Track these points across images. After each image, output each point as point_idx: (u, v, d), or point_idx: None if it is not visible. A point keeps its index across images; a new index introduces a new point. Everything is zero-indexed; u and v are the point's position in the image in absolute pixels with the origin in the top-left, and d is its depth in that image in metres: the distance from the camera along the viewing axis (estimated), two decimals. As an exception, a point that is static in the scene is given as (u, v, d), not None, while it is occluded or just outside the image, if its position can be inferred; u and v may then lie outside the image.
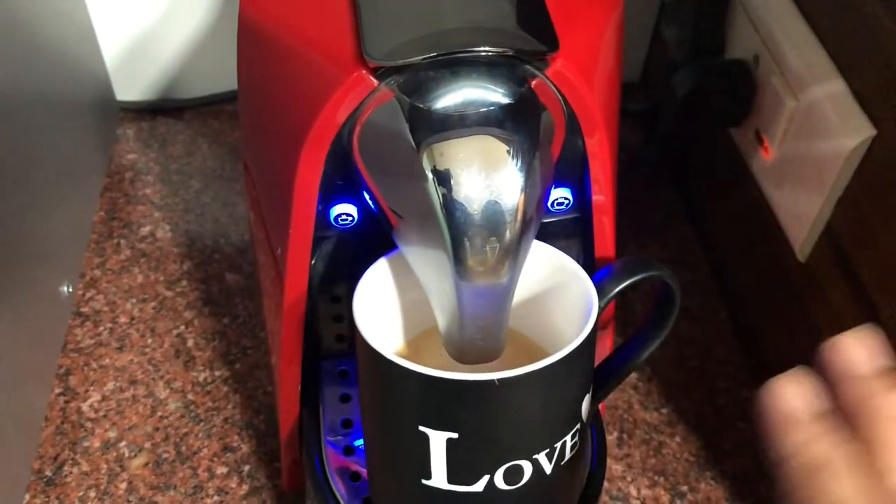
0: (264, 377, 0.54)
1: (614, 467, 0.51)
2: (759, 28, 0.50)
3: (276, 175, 0.36)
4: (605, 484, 0.46)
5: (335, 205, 0.35)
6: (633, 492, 0.50)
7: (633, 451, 0.51)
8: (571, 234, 0.39)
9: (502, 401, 0.29)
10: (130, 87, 0.69)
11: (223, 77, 0.69)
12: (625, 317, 0.56)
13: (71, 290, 0.55)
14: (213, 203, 0.63)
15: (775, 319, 0.52)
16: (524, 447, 0.30)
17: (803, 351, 0.48)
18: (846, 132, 0.42)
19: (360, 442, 0.40)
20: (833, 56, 0.44)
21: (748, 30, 0.51)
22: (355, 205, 0.35)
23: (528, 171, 0.29)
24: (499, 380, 0.28)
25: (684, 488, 0.50)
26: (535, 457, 0.31)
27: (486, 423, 0.30)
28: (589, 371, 0.33)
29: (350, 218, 0.35)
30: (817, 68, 0.45)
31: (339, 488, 0.38)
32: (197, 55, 0.68)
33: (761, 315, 0.54)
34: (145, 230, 0.61)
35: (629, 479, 0.50)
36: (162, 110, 0.69)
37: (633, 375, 0.55)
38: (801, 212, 0.46)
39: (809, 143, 0.45)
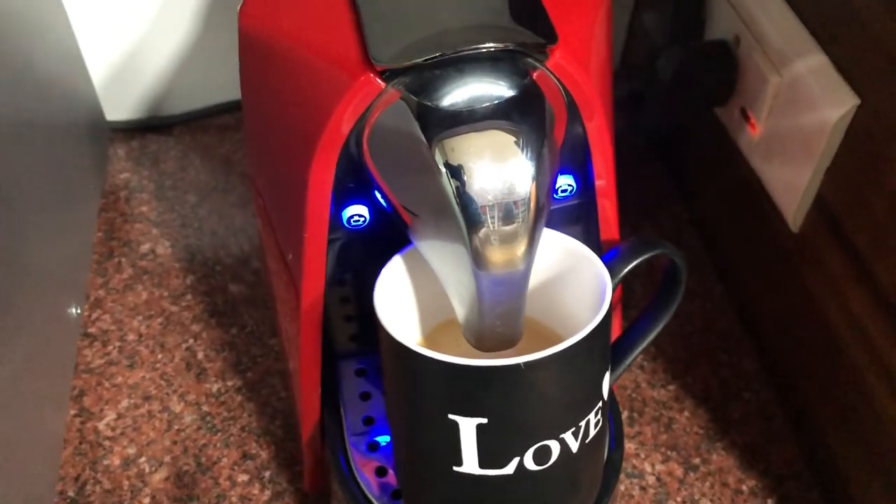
0: (277, 383, 0.54)
1: (627, 445, 0.52)
2: (737, 8, 0.51)
3: (288, 182, 0.37)
4: (621, 466, 0.47)
5: (347, 206, 0.36)
6: (648, 468, 0.51)
7: (643, 428, 0.53)
8: (576, 221, 0.40)
9: (528, 383, 0.30)
10: (119, 107, 0.69)
11: (210, 91, 0.70)
12: (624, 299, 0.57)
13: (79, 311, 0.56)
14: (210, 216, 0.64)
15: (772, 291, 0.54)
16: (551, 427, 0.31)
17: (801, 319, 0.49)
18: (830, 103, 0.43)
19: (383, 439, 0.41)
20: (812, 30, 0.46)
21: (726, 10, 0.52)
22: (367, 205, 0.36)
23: (537, 160, 0.30)
24: (524, 363, 0.29)
25: (697, 460, 0.51)
26: (562, 436, 0.32)
27: (513, 406, 0.31)
28: (607, 350, 0.34)
29: (362, 218, 0.36)
30: (797, 43, 0.46)
31: (367, 484, 0.39)
32: (182, 71, 0.69)
33: (758, 288, 0.56)
34: (145, 247, 0.62)
35: (643, 455, 0.51)
36: (151, 128, 0.70)
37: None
38: (792, 183, 0.48)
39: (795, 116, 0.47)
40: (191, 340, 0.57)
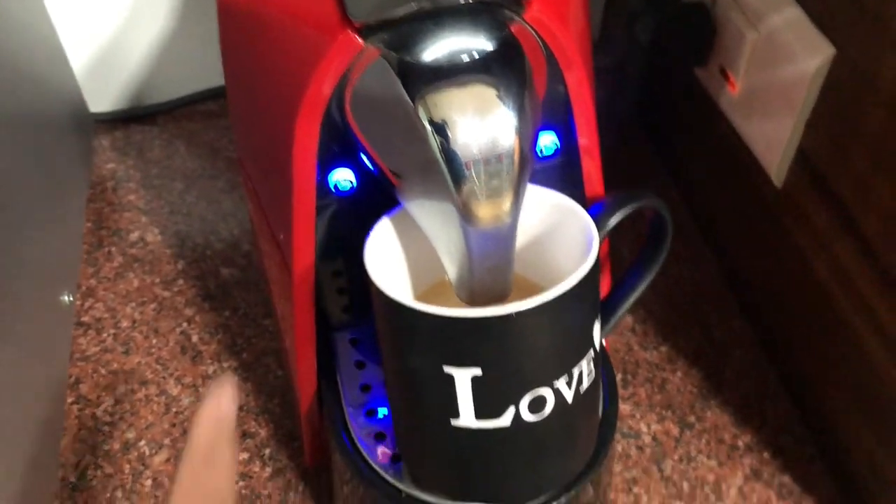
0: (272, 363, 0.55)
1: (622, 407, 0.52)
2: (712, -31, 0.52)
3: (273, 153, 0.37)
4: (616, 422, 0.48)
5: (333, 170, 0.36)
6: (644, 428, 0.51)
7: (638, 389, 0.53)
8: (561, 182, 0.40)
9: (521, 332, 0.31)
10: (102, 98, 0.69)
11: (192, 79, 0.70)
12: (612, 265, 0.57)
13: (71, 299, 0.56)
14: (199, 202, 0.64)
15: (759, 249, 0.54)
16: (545, 374, 0.32)
17: (789, 275, 0.50)
18: (807, 55, 0.44)
19: (382, 409, 0.41)
20: (786, -15, 0.46)
21: (702, -28, 0.53)
22: (353, 169, 0.36)
23: (519, 111, 0.31)
24: (516, 312, 0.30)
25: (692, 419, 0.52)
26: (555, 384, 0.32)
27: (507, 355, 0.31)
28: (596, 298, 0.34)
29: (349, 183, 0.36)
30: (772, -1, 0.47)
31: (367, 450, 0.39)
32: (164, 60, 0.69)
33: (745, 248, 0.56)
34: (134, 236, 0.62)
35: (638, 416, 0.52)
36: (135, 118, 0.70)
37: (629, 318, 0.57)
38: (773, 139, 0.48)
39: (773, 71, 0.47)
40: (185, 324, 0.57)
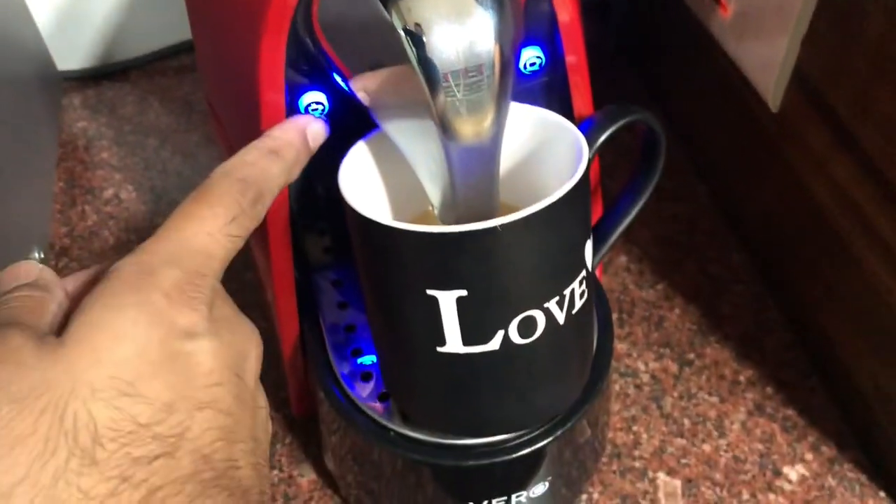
0: (256, 316, 0.52)
1: (619, 346, 0.51)
2: None
3: (240, 79, 0.35)
4: (613, 363, 0.46)
5: (303, 94, 0.34)
6: (641, 366, 0.50)
7: (634, 328, 0.51)
8: (549, 103, 0.38)
9: (506, 248, 0.29)
10: (70, 56, 0.67)
11: (163, 32, 0.68)
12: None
13: (42, 255, 0.54)
14: (174, 157, 0.62)
15: (756, 179, 0.52)
16: (534, 295, 0.30)
17: (788, 202, 0.48)
18: (802, -35, 0.42)
19: (369, 357, 0.39)
20: None
21: None
22: (325, 91, 0.34)
23: (498, 13, 0.28)
24: (500, 225, 0.28)
25: (691, 356, 0.50)
26: (546, 305, 0.30)
27: (492, 273, 0.29)
28: (587, 214, 0.32)
29: (321, 106, 0.34)
30: (763, -89, 0.44)
31: (352, 389, 0.38)
32: (133, 14, 0.66)
33: (742, 179, 0.54)
34: (109, 193, 0.60)
35: (635, 355, 0.50)
36: (106, 75, 0.67)
37: (623, 258, 0.55)
38: (768, 59, 0.46)
39: (766, -13, 0.45)
40: (164, 281, 0.55)
